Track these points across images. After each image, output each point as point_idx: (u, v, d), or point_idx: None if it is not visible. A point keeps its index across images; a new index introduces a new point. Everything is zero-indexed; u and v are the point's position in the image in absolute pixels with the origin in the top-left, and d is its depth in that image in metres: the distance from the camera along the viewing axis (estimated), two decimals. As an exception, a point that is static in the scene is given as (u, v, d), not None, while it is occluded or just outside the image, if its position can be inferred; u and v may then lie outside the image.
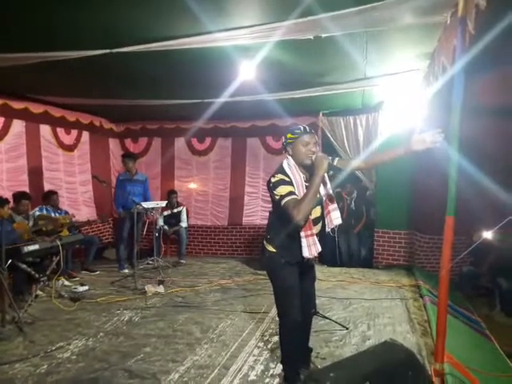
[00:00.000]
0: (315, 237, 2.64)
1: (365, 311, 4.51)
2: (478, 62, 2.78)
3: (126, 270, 6.37)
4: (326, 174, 2.67)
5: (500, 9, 2.52)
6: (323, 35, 3.31)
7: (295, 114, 6.77)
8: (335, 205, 2.80)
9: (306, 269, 2.84)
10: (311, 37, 3.33)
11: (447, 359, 2.88)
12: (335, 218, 2.77)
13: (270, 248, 2.75)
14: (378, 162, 2.99)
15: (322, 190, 2.68)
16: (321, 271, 6.12)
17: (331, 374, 2.09)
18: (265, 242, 2.82)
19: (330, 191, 2.75)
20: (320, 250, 2.65)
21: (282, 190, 2.50)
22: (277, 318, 3.37)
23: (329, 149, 7.00)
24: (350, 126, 6.78)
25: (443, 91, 3.53)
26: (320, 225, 2.75)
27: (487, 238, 4.51)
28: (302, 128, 2.70)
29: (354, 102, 6.24)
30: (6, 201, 4.89)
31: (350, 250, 6.91)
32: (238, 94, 4.99)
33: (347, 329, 3.97)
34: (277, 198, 2.51)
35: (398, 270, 6.41)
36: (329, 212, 2.77)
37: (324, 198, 2.73)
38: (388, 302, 4.85)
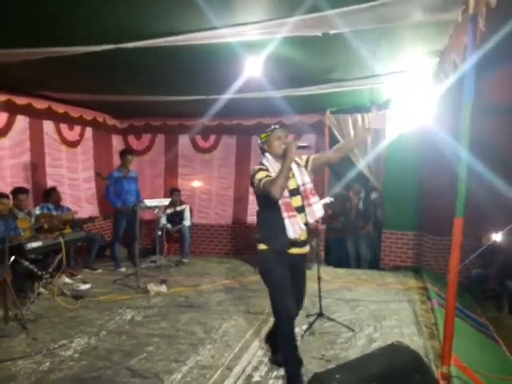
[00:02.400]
0: (298, 218, 2.83)
1: (371, 313, 4.45)
2: (489, 59, 2.74)
3: (123, 269, 6.33)
4: (304, 168, 3.00)
5: (511, 6, 2.48)
6: (332, 32, 3.25)
7: (301, 111, 6.72)
8: (317, 198, 2.98)
9: (296, 272, 2.96)
10: (319, 33, 3.27)
11: (454, 362, 2.84)
12: (317, 210, 2.95)
13: (261, 247, 2.93)
14: (341, 155, 3.11)
15: (299, 181, 2.93)
16: (327, 272, 6.04)
17: (337, 376, 2.06)
18: (257, 245, 2.97)
19: (310, 185, 2.96)
20: (304, 228, 2.85)
21: (259, 176, 2.80)
22: None
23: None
24: (357, 124, 6.69)
25: (453, 89, 3.47)
26: (303, 215, 2.91)
27: (496, 240, 4.45)
28: (273, 126, 3.07)
29: (361, 99, 6.17)
30: (5, 195, 4.87)
31: (357, 251, 6.84)
32: (243, 90, 4.93)
33: (353, 331, 3.92)
34: (256, 183, 2.81)
35: (406, 271, 6.34)
36: (310, 204, 2.93)
37: (302, 189, 2.94)
38: (395, 304, 4.79)
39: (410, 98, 5.26)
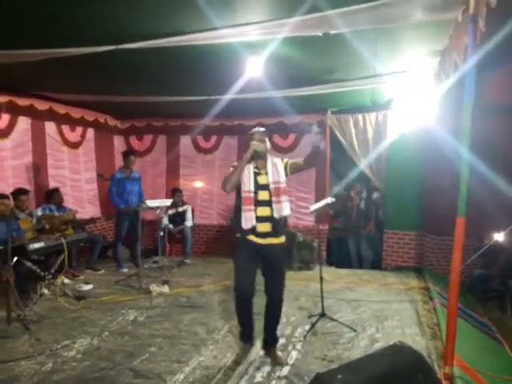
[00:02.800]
0: (253, 213, 3.20)
1: (373, 313, 4.45)
2: (489, 59, 2.74)
3: (126, 270, 6.33)
4: (283, 170, 3.32)
5: (511, 7, 2.48)
6: (332, 32, 3.25)
7: (303, 111, 6.71)
8: (286, 197, 3.27)
9: (267, 261, 3.31)
10: (320, 33, 3.27)
11: (457, 363, 2.84)
12: (285, 208, 3.25)
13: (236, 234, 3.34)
14: (308, 163, 3.36)
15: (271, 179, 3.27)
16: (329, 273, 6.04)
17: (339, 376, 2.06)
18: None
19: (283, 185, 3.28)
20: (254, 223, 3.19)
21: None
22: (284, 320, 4.05)
23: (337, 147, 6.95)
24: (359, 124, 6.69)
25: (454, 89, 3.47)
26: (268, 209, 3.23)
27: (498, 240, 4.44)
28: (254, 129, 3.47)
29: (363, 99, 6.17)
30: (5, 196, 4.89)
31: (359, 251, 6.84)
32: (244, 91, 4.94)
33: (355, 331, 3.91)
34: None
35: (408, 271, 6.33)
36: (279, 201, 3.24)
37: (273, 186, 3.25)
38: (397, 304, 4.78)
39: (411, 98, 5.27)
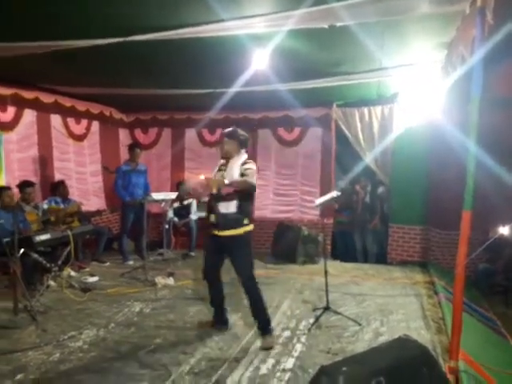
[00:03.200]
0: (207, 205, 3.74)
1: (378, 307, 4.45)
2: (497, 52, 2.72)
3: (131, 262, 6.36)
4: (236, 170, 3.55)
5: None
6: (338, 24, 3.23)
7: (308, 104, 6.69)
8: (234, 196, 3.51)
9: (224, 251, 3.65)
10: (326, 26, 3.25)
11: (462, 357, 2.85)
12: (230, 206, 3.53)
13: None
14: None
15: (226, 176, 3.54)
16: (334, 267, 6.05)
17: (344, 369, 2.06)
18: None
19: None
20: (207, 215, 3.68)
21: None
22: (288, 313, 4.30)
23: (342, 141, 6.93)
24: (364, 118, 6.67)
25: (461, 82, 3.45)
26: (216, 204, 3.58)
27: (504, 233, 4.42)
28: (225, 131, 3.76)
29: (368, 92, 6.13)
30: (8, 188, 4.94)
31: (364, 245, 6.83)
32: (250, 83, 4.92)
33: (360, 325, 3.92)
34: None
35: (413, 266, 6.33)
36: (225, 199, 3.54)
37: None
38: (402, 298, 4.79)
39: (417, 91, 5.23)
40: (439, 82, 4.51)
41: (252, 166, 3.58)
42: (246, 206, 3.59)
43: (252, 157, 7.59)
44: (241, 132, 3.71)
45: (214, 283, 3.79)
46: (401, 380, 2.13)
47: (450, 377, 2.71)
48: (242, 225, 3.56)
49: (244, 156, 3.68)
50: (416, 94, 5.34)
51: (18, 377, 2.93)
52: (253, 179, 3.50)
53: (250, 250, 3.67)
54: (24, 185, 5.14)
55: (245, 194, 3.53)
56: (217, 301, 3.86)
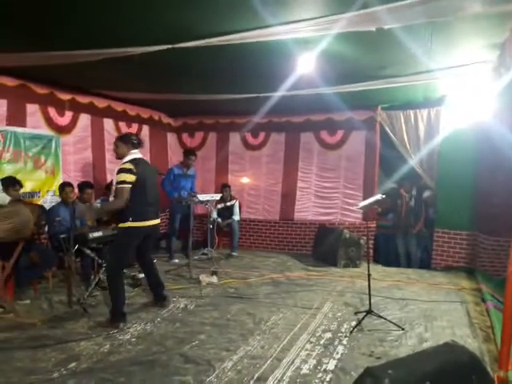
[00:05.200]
0: None
1: (422, 313, 4.36)
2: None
3: (177, 260, 6.57)
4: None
5: None
6: (385, 27, 3.22)
7: (352, 107, 6.66)
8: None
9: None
10: (373, 29, 3.25)
11: (512, 367, 2.74)
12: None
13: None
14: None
15: None
16: (376, 270, 5.99)
17: (389, 372, 2.03)
18: (158, 219, 4.25)
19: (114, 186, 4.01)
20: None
21: None
22: (330, 315, 4.27)
23: (387, 144, 6.83)
24: (410, 121, 6.55)
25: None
26: None
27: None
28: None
29: (414, 95, 6.02)
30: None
31: (407, 249, 6.69)
32: (294, 87, 4.97)
33: (403, 329, 3.86)
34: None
35: (458, 272, 6.14)
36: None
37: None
38: (447, 304, 4.66)
39: (466, 94, 5.09)
40: (490, 84, 4.37)
41: (122, 176, 3.83)
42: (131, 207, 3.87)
43: (295, 159, 7.72)
44: (129, 135, 4.16)
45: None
46: (448, 386, 2.09)
47: (499, 387, 2.63)
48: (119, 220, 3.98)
49: (126, 158, 3.96)
50: (465, 96, 5.20)
51: (72, 365, 3.11)
52: (120, 199, 3.81)
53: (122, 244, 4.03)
54: (84, 185, 5.44)
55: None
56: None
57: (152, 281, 4.47)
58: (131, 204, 3.86)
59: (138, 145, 4.09)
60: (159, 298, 4.48)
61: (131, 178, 3.82)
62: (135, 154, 4.02)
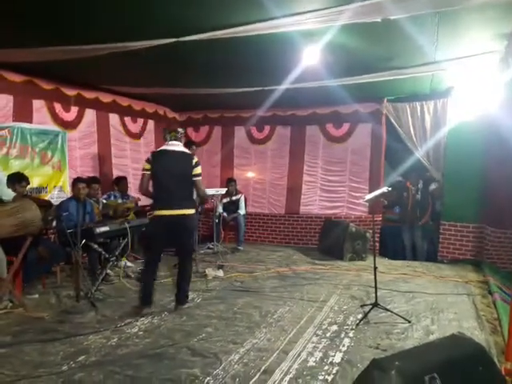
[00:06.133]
0: None
1: (428, 305, 4.35)
2: None
3: None
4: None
5: None
6: (392, 17, 3.19)
7: (358, 100, 6.63)
8: None
9: None
10: (379, 19, 3.22)
11: (519, 359, 2.73)
12: None
13: (191, 211, 4.18)
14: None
15: None
16: (382, 263, 5.97)
17: (396, 363, 2.02)
18: (189, 209, 4.17)
19: None
20: None
21: (200, 169, 4.27)
22: (336, 308, 4.27)
23: (393, 136, 6.79)
24: (416, 113, 6.50)
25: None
26: None
27: None
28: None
29: (421, 87, 5.98)
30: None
31: (413, 242, 6.67)
32: (299, 80, 4.96)
33: (409, 322, 3.85)
34: (197, 173, 4.20)
35: (465, 264, 6.11)
36: None
37: None
38: (453, 297, 4.64)
39: (473, 84, 5.04)
40: (497, 75, 4.32)
41: (143, 165, 4.29)
42: None
43: (300, 153, 7.70)
44: (165, 130, 4.46)
45: None
46: (455, 377, 2.07)
47: (507, 378, 2.62)
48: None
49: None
50: (471, 87, 5.15)
51: (81, 358, 3.12)
52: (139, 185, 4.29)
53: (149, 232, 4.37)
54: (91, 180, 5.47)
55: None
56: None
57: (176, 279, 4.39)
58: (153, 192, 4.23)
59: (170, 139, 4.28)
60: (175, 298, 4.33)
61: (147, 166, 4.18)
62: (166, 145, 4.29)
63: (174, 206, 4.10)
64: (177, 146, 4.26)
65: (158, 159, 4.18)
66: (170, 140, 4.26)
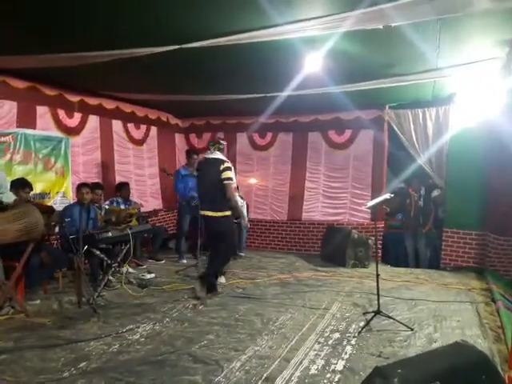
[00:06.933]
0: None
1: (431, 313, 4.32)
2: None
3: (185, 261, 6.61)
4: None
5: None
6: (393, 24, 3.21)
7: (360, 106, 6.63)
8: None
9: None
10: (381, 26, 3.24)
11: (523, 368, 2.71)
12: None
13: (226, 213, 4.67)
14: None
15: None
16: (384, 271, 5.94)
17: (399, 371, 2.01)
18: (216, 212, 4.62)
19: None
20: None
21: (231, 174, 4.63)
22: (338, 315, 4.28)
23: (395, 143, 6.80)
24: (418, 120, 6.51)
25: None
26: None
27: None
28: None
29: (423, 93, 5.98)
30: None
31: (416, 249, 6.65)
32: (302, 87, 4.97)
33: (412, 330, 3.83)
34: (229, 178, 4.57)
35: (467, 272, 6.08)
36: None
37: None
38: (456, 304, 4.61)
39: (475, 91, 5.04)
40: (499, 81, 4.32)
41: None
42: None
43: (303, 159, 7.70)
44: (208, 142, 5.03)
45: None
46: (458, 385, 2.07)
47: (511, 387, 2.60)
48: None
49: None
50: (473, 94, 5.15)
51: (82, 364, 3.11)
52: None
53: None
54: (94, 186, 5.48)
55: None
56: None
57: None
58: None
59: (214, 149, 4.82)
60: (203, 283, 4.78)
61: (196, 172, 4.99)
62: (207, 154, 4.90)
63: (204, 207, 4.68)
64: (215, 155, 4.75)
65: (200, 166, 4.90)
66: (214, 150, 4.77)
